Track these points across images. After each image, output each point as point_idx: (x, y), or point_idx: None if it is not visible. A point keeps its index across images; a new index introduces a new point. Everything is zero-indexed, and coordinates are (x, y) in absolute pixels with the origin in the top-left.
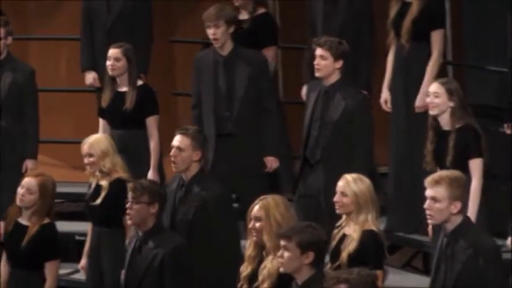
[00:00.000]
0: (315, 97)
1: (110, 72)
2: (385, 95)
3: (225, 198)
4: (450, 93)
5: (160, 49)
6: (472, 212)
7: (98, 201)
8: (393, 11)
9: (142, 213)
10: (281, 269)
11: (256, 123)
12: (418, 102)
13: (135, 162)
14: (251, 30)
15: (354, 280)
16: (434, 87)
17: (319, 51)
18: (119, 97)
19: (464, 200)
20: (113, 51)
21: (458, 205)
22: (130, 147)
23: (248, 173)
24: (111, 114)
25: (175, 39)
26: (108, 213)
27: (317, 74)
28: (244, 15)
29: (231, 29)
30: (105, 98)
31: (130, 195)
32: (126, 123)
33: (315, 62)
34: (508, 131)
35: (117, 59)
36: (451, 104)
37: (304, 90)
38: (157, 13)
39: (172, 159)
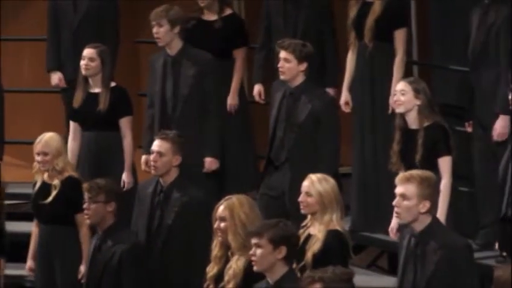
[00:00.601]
0: (280, 98)
1: (84, 72)
2: (345, 96)
3: (205, 203)
4: (417, 91)
5: (125, 50)
6: (442, 210)
7: (49, 199)
8: (353, 11)
9: (100, 212)
10: (254, 268)
11: (200, 123)
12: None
13: (108, 164)
14: (221, 31)
15: (328, 279)
16: (401, 85)
17: (283, 54)
18: (92, 98)
19: (433, 200)
20: (87, 51)
21: (427, 204)
22: (104, 149)
23: (195, 172)
24: (84, 116)
25: (141, 40)
26: (61, 211)
27: (281, 77)
28: (211, 16)
29: (176, 29)
30: (77, 99)
31: (86, 195)
32: (99, 124)
33: (279, 65)
34: (469, 129)
35: (91, 59)
36: (418, 102)
37: (255, 89)
38: (123, 13)
39: (153, 163)
